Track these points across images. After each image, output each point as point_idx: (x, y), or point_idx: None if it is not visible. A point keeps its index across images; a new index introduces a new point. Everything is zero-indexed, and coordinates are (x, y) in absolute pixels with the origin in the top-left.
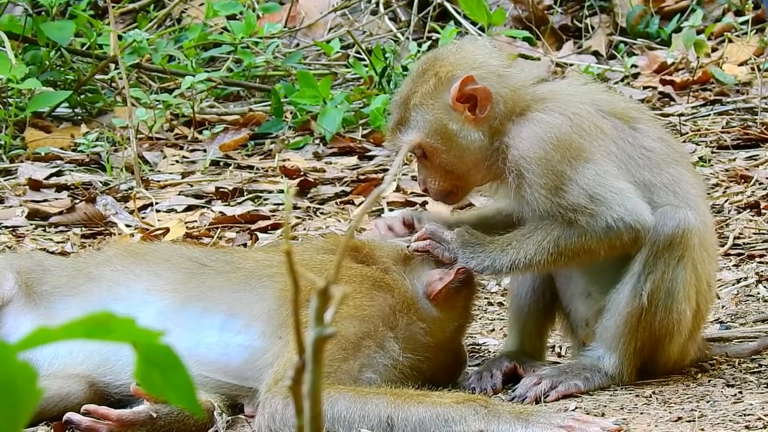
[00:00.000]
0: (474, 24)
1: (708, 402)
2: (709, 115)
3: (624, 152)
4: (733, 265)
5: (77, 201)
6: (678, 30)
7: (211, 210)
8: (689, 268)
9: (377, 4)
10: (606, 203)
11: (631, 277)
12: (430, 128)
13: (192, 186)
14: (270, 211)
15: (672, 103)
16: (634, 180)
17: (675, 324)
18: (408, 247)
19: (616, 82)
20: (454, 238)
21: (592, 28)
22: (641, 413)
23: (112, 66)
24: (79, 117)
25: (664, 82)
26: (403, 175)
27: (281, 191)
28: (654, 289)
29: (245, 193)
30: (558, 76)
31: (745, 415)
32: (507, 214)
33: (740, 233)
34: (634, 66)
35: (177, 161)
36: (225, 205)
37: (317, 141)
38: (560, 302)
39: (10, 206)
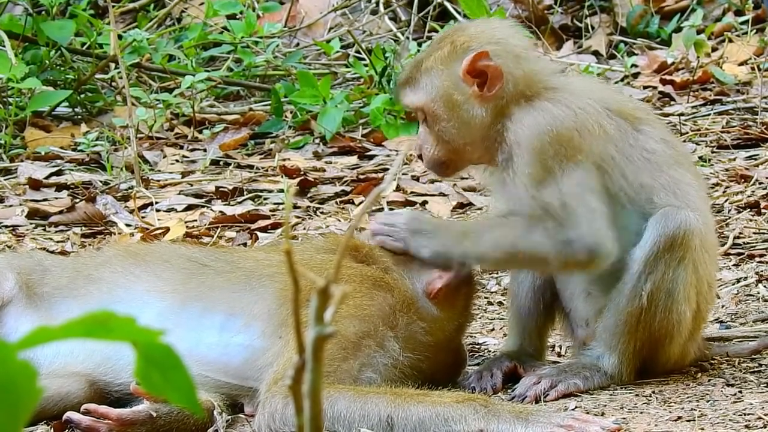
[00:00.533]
0: None
1: (708, 401)
2: (709, 114)
3: (623, 154)
4: (733, 265)
5: (77, 200)
6: (678, 30)
7: (211, 209)
8: (690, 269)
9: (377, 3)
10: (574, 216)
11: (631, 276)
12: (436, 94)
13: (192, 185)
14: (270, 211)
15: (672, 102)
16: (628, 183)
17: (675, 324)
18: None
19: (616, 82)
20: (404, 224)
21: (592, 27)
22: (641, 412)
23: (113, 65)
24: (79, 116)
25: (664, 82)
26: (403, 174)
27: (281, 191)
28: (654, 289)
29: (245, 193)
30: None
31: (745, 414)
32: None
33: (740, 233)
34: (634, 66)
35: (177, 161)
36: (225, 205)
37: (317, 140)
38: (560, 302)
39: (10, 205)
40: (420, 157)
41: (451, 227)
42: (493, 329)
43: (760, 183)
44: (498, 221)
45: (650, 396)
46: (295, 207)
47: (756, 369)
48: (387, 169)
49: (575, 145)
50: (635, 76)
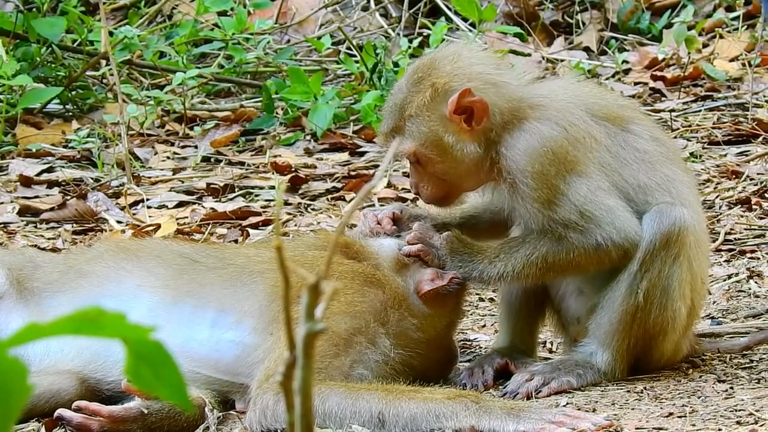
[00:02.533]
0: (465, 20)
1: (699, 397)
2: (700, 110)
3: (618, 158)
4: (725, 261)
5: (68, 197)
6: (669, 26)
7: (202, 206)
8: (685, 265)
9: (368, 0)
10: (596, 221)
11: (628, 275)
12: (426, 139)
13: (183, 182)
14: (261, 207)
15: (663, 98)
16: (628, 185)
17: (670, 321)
18: (400, 250)
19: (607, 78)
20: (443, 244)
21: (583, 23)
22: (632, 409)
23: (103, 62)
24: (70, 113)
25: (655, 78)
26: (394, 171)
27: (272, 187)
28: (650, 287)
29: (236, 189)
30: (550, 72)
31: (736, 410)
32: (495, 210)
33: (731, 229)
34: (625, 62)
35: (168, 157)
36: (216, 201)
37: (308, 137)
38: (551, 299)
39: (1, 203)
40: (417, 194)
41: (484, 249)
42: (484, 325)
43: (750, 179)
44: (524, 239)
45: (642, 392)
46: (286, 203)
47: (747, 365)
48: (378, 166)
49: (572, 158)
50: (626, 72)
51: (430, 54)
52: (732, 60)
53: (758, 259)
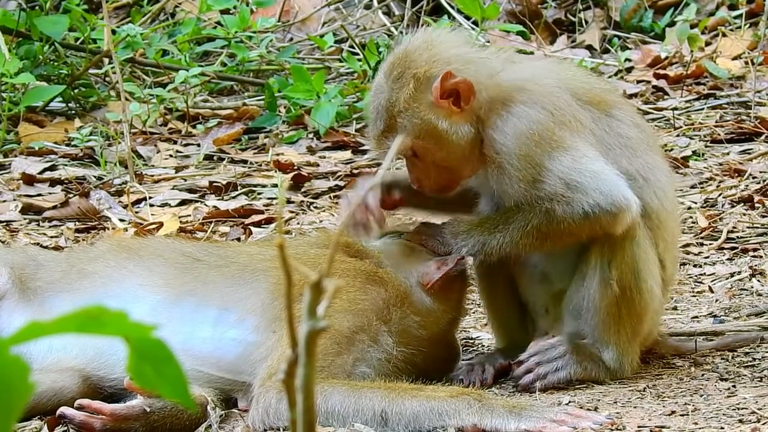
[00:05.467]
0: (467, 18)
1: (701, 396)
2: (702, 109)
3: (602, 143)
4: (727, 259)
5: (71, 195)
6: (672, 24)
7: (205, 204)
8: (646, 244)
9: None
10: (581, 188)
11: (594, 270)
12: (420, 131)
13: (185, 180)
14: (264, 206)
15: (666, 97)
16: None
17: (649, 303)
18: (401, 236)
19: (610, 76)
20: (445, 229)
21: (586, 22)
22: (635, 407)
23: (106, 60)
24: (73, 111)
25: (657, 76)
26: (396, 168)
27: (275, 185)
28: (621, 275)
29: (239, 188)
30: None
31: (738, 408)
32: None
33: (734, 227)
34: (627, 60)
35: (171, 155)
36: (218, 200)
37: (311, 135)
38: (520, 290)
39: (4, 201)
40: (419, 187)
41: (483, 222)
42: (486, 324)
43: (753, 177)
44: (516, 210)
45: (644, 390)
46: (289, 202)
47: (750, 363)
48: (380, 164)
49: (558, 137)
50: (629, 70)
51: (401, 47)
52: (735, 58)
53: (761, 257)
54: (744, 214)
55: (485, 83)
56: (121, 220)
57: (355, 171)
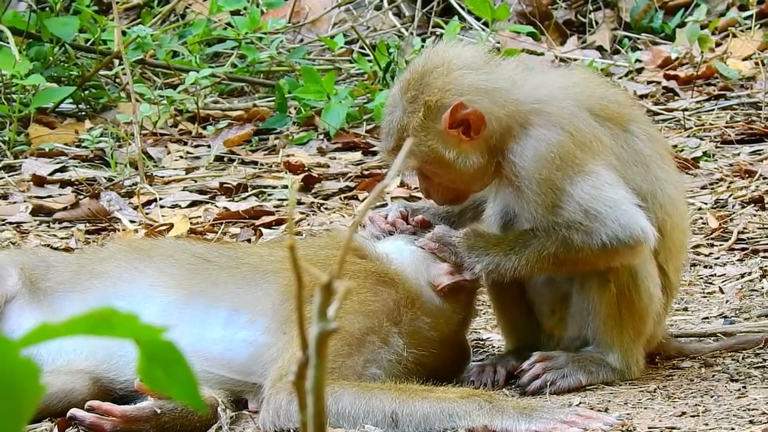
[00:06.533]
0: (478, 19)
1: (712, 397)
2: (713, 110)
3: (622, 161)
4: (737, 260)
5: (81, 197)
6: (682, 25)
7: (215, 205)
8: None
9: None
10: (600, 218)
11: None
12: (427, 156)
13: (196, 181)
14: (274, 207)
15: (676, 97)
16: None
17: (648, 303)
18: (415, 242)
19: (620, 77)
20: (461, 242)
21: (596, 23)
22: (645, 408)
23: (116, 62)
24: (83, 113)
25: (668, 77)
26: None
27: (285, 187)
28: (618, 275)
29: (249, 189)
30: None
31: (749, 409)
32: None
33: (744, 228)
34: (638, 61)
35: (181, 157)
36: (229, 201)
37: (321, 136)
38: (526, 290)
39: (14, 202)
40: (428, 197)
41: (500, 242)
42: (496, 325)
43: (764, 178)
44: (534, 234)
45: (654, 391)
46: (299, 203)
47: (760, 364)
48: (390, 165)
49: (579, 161)
50: (639, 71)
51: (420, 65)
52: (745, 59)
53: None
54: (754, 215)
55: (497, 113)
56: (132, 222)
57: (366, 172)
